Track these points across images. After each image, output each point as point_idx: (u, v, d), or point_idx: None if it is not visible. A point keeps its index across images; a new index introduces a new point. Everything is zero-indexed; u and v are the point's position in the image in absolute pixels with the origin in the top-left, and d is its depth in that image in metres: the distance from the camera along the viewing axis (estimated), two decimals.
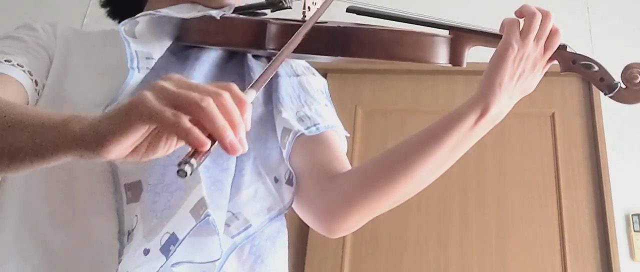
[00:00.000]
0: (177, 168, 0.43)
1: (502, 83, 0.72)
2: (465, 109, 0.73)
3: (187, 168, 0.43)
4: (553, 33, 0.73)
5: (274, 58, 0.61)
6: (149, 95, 0.46)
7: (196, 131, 0.44)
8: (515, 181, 2.20)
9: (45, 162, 0.51)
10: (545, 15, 0.73)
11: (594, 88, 1.78)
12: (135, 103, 0.46)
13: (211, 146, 0.45)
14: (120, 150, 0.47)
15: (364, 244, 2.17)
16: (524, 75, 0.73)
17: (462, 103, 0.74)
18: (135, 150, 0.49)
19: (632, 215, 2.07)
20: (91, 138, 0.47)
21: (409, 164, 0.74)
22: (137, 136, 0.47)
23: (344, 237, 2.15)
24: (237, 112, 0.47)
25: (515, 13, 0.74)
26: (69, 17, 2.55)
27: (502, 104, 0.73)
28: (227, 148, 0.46)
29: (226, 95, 0.47)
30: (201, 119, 0.45)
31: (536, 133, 2.27)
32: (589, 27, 2.39)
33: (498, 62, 0.72)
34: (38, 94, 0.77)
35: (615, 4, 2.44)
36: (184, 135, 0.44)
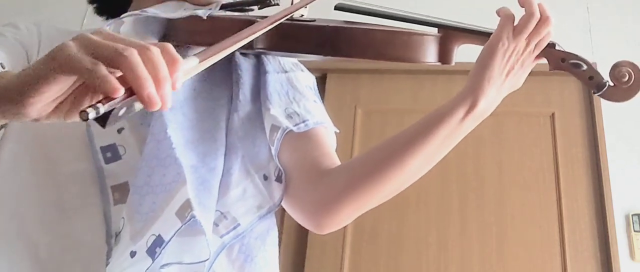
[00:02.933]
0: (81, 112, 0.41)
1: (491, 78, 0.72)
2: (454, 103, 0.73)
3: (91, 111, 0.41)
4: (545, 37, 0.73)
5: (240, 38, 0.59)
6: (70, 44, 0.44)
7: (110, 77, 0.42)
8: (515, 181, 2.20)
9: None
10: (545, 20, 0.72)
11: None
12: (55, 52, 0.44)
13: (128, 96, 0.43)
14: (41, 103, 0.45)
15: (363, 242, 2.17)
16: (513, 71, 0.73)
17: (451, 97, 0.74)
18: (58, 107, 0.47)
19: (632, 215, 2.07)
20: (13, 89, 0.45)
21: (398, 159, 0.74)
22: (57, 87, 0.45)
23: (344, 235, 2.15)
24: (164, 67, 0.45)
25: (519, 2, 0.73)
26: (69, 17, 2.55)
27: (490, 99, 0.73)
28: (144, 101, 0.43)
29: (154, 50, 0.45)
30: (122, 69, 0.43)
31: (536, 133, 2.27)
32: (589, 27, 2.39)
33: (487, 56, 0.72)
34: None
35: (615, 4, 2.44)
36: (97, 82, 0.42)
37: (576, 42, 2.27)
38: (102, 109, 0.41)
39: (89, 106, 0.41)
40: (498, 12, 0.74)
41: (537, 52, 0.74)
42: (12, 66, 0.76)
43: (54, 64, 0.44)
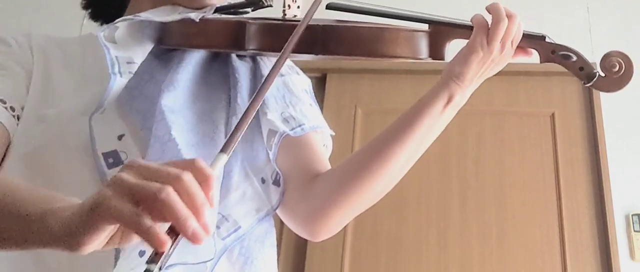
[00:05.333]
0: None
1: (466, 79, 0.75)
2: (431, 98, 0.76)
3: (153, 268, 0.43)
4: (517, 34, 0.75)
5: (252, 98, 0.60)
6: (108, 194, 0.46)
7: (154, 232, 0.44)
8: (515, 181, 2.20)
9: (30, 248, 0.53)
10: (511, 20, 0.74)
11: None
12: (98, 203, 0.46)
13: (174, 238, 0.45)
14: (94, 245, 0.47)
15: (364, 243, 2.17)
16: (489, 69, 0.76)
17: (427, 92, 0.77)
18: (111, 240, 0.49)
19: (632, 215, 2.07)
20: (66, 238, 0.48)
21: (384, 156, 0.75)
22: (106, 232, 0.47)
23: (344, 236, 2.15)
24: (200, 195, 0.46)
25: (486, 8, 0.76)
26: (68, 19, 2.55)
27: (467, 93, 0.76)
28: (190, 239, 0.45)
29: (187, 178, 0.46)
30: (163, 212, 0.45)
31: (536, 133, 2.27)
32: (589, 27, 2.39)
33: (463, 61, 0.74)
34: (17, 118, 0.76)
35: (615, 4, 2.44)
36: (144, 236, 0.44)
37: (576, 42, 2.25)
38: (155, 269, 0.44)
39: (146, 270, 0.43)
40: (473, 21, 0.76)
41: (514, 47, 0.76)
42: (14, 96, 0.76)
43: (96, 216, 0.46)
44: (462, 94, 0.75)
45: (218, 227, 0.72)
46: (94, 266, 0.68)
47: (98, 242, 0.47)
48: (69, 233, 0.47)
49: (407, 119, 0.76)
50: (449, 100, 0.75)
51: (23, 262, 0.69)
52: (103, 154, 0.71)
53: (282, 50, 0.64)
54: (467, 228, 2.15)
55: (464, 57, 0.74)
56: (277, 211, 0.81)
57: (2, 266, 0.70)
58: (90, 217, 0.46)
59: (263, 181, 0.79)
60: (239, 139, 0.76)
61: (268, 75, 0.62)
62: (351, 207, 0.77)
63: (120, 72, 0.77)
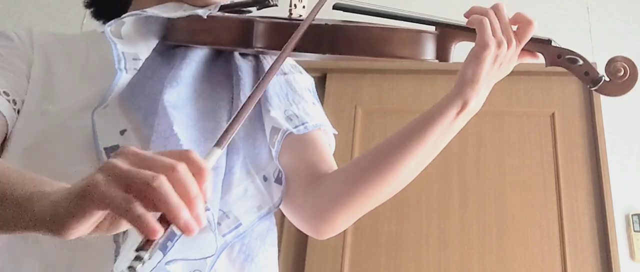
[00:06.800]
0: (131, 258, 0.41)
1: (480, 80, 0.73)
2: (444, 105, 0.75)
3: (137, 265, 0.41)
4: (526, 23, 0.74)
5: (250, 94, 0.57)
6: (100, 179, 0.44)
7: (145, 220, 0.42)
8: (515, 181, 2.20)
9: (15, 232, 0.51)
10: (498, 5, 0.75)
11: None
12: (88, 188, 0.44)
13: (166, 227, 0.43)
14: (80, 231, 0.46)
15: (364, 243, 2.17)
16: (501, 68, 0.75)
17: (440, 99, 0.76)
18: (98, 227, 0.47)
19: (632, 215, 2.07)
20: (51, 222, 0.46)
21: (393, 162, 0.75)
22: (94, 218, 0.45)
23: (344, 236, 2.15)
24: (194, 186, 0.45)
25: (465, 15, 0.76)
26: (69, 18, 2.55)
27: (480, 97, 0.75)
28: (181, 229, 0.43)
29: (181, 168, 0.45)
30: (154, 202, 0.43)
31: (536, 133, 2.27)
32: (589, 27, 2.39)
33: (476, 61, 0.73)
34: (17, 112, 0.77)
35: (615, 4, 2.44)
36: (134, 223, 0.42)
37: (576, 43, 2.26)
38: (146, 256, 0.42)
39: (137, 257, 0.41)
40: (472, 22, 0.75)
41: (522, 44, 0.75)
42: (15, 89, 0.77)
43: (87, 201, 0.44)
44: (477, 98, 0.74)
45: (219, 223, 0.72)
46: (95, 261, 0.68)
47: (85, 227, 0.45)
48: (55, 217, 0.46)
49: (418, 127, 0.75)
50: (463, 107, 0.74)
51: (23, 256, 0.69)
52: (105, 148, 0.71)
53: (286, 44, 0.64)
54: (467, 228, 2.15)
55: (475, 56, 0.73)
56: (281, 208, 0.81)
57: (2, 259, 0.70)
58: (79, 202, 0.44)
59: (265, 178, 0.79)
60: (237, 134, 0.76)
61: (270, 68, 0.61)
62: (357, 209, 0.77)
63: (125, 68, 0.77)
